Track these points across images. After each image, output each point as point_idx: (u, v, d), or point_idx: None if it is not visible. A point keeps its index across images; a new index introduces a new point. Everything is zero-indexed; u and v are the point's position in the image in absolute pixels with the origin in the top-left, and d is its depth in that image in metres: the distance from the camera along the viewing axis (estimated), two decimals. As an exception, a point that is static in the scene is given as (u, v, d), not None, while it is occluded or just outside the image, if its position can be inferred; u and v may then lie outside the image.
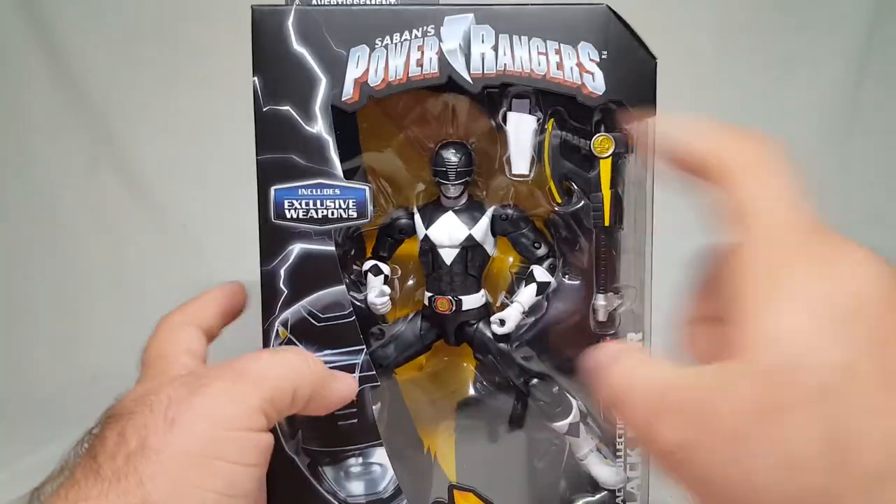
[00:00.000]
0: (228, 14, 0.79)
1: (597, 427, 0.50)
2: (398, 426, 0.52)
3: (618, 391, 0.32)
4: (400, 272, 0.52)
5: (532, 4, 0.46)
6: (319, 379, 0.43)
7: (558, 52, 0.45)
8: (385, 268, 0.51)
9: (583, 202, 0.48)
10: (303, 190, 0.46)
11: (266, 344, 0.47)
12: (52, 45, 0.84)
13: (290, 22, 0.45)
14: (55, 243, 0.86)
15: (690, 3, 0.83)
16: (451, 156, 0.48)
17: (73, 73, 0.84)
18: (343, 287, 0.47)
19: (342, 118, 0.46)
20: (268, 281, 0.46)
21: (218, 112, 0.82)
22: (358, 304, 0.49)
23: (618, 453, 0.49)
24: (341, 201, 0.46)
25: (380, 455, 0.48)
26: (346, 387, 0.45)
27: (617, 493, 0.50)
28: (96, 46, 0.83)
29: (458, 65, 0.45)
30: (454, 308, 0.49)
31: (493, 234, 0.50)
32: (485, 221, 0.49)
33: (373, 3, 0.46)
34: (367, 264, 0.51)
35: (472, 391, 0.53)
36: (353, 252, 0.51)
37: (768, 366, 0.26)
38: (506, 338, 0.50)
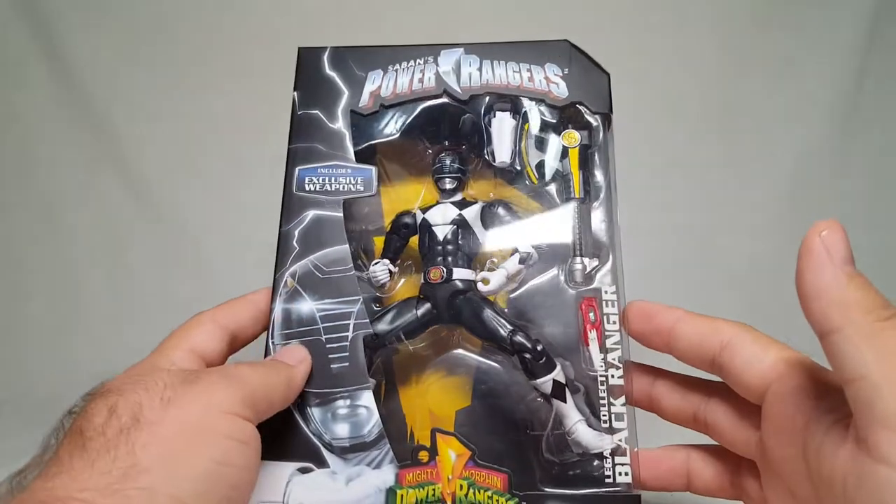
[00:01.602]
0: (229, 15, 0.85)
1: (583, 386, 0.51)
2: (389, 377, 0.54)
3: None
4: (398, 270, 0.59)
5: (507, 42, 0.59)
6: (287, 380, 0.47)
7: (529, 70, 0.58)
8: (389, 265, 0.58)
9: (556, 183, 0.56)
10: (321, 169, 0.56)
11: (275, 291, 0.53)
12: (52, 46, 0.85)
13: (325, 56, 0.60)
14: (55, 243, 0.85)
15: (691, 2, 0.85)
16: (446, 157, 0.58)
17: (73, 73, 0.85)
18: (346, 246, 0.54)
19: (360, 119, 0.58)
20: (284, 239, 0.54)
21: (218, 112, 0.84)
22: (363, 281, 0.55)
23: (601, 401, 0.49)
24: (352, 178, 0.56)
25: (367, 398, 0.50)
26: (303, 372, 0.49)
27: (605, 455, 0.48)
28: (96, 46, 0.84)
29: (451, 81, 0.58)
30: (445, 276, 0.55)
31: (484, 224, 0.58)
32: (475, 208, 0.57)
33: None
34: (374, 262, 0.58)
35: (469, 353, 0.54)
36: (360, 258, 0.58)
37: None
38: (491, 303, 0.54)
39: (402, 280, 0.58)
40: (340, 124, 0.58)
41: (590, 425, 0.50)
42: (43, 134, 0.86)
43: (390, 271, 0.57)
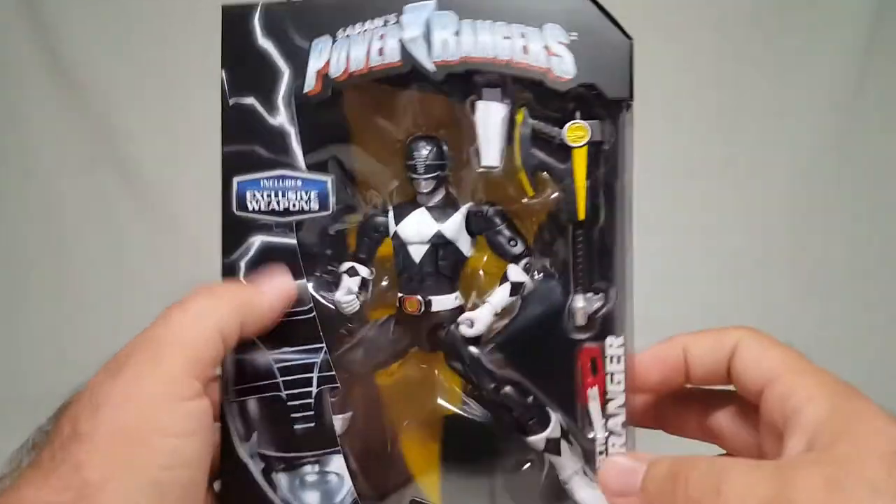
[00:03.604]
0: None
1: (578, 446, 0.45)
2: (371, 434, 0.49)
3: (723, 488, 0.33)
4: (375, 273, 0.50)
5: (496, -10, 0.44)
6: (244, 306, 0.41)
7: (524, 35, 0.43)
8: (362, 269, 0.49)
9: (556, 195, 0.45)
10: (265, 181, 0.45)
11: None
12: (53, 46, 0.86)
13: (256, 18, 0.46)
14: (55, 243, 0.87)
15: (691, 2, 0.85)
16: (421, 149, 0.47)
17: (72, 73, 0.86)
18: (304, 281, 0.45)
19: (308, 110, 0.45)
20: (228, 274, 0.46)
21: (218, 112, 0.84)
22: (328, 305, 0.47)
23: (598, 469, 0.44)
24: (303, 193, 0.45)
25: (337, 464, 0.45)
26: (276, 294, 0.43)
27: (600, 522, 0.44)
28: (96, 46, 0.85)
29: (420, 53, 0.44)
30: (423, 308, 0.47)
31: (471, 232, 0.48)
32: (457, 218, 0.47)
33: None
34: (345, 266, 0.49)
35: (446, 403, 0.49)
36: (329, 252, 0.49)
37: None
38: (476, 341, 0.46)
39: (378, 291, 0.50)
40: (283, 118, 0.46)
41: (586, 474, 0.45)
42: (43, 134, 0.87)
43: (363, 281, 0.49)
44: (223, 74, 0.46)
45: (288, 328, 0.45)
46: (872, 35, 0.84)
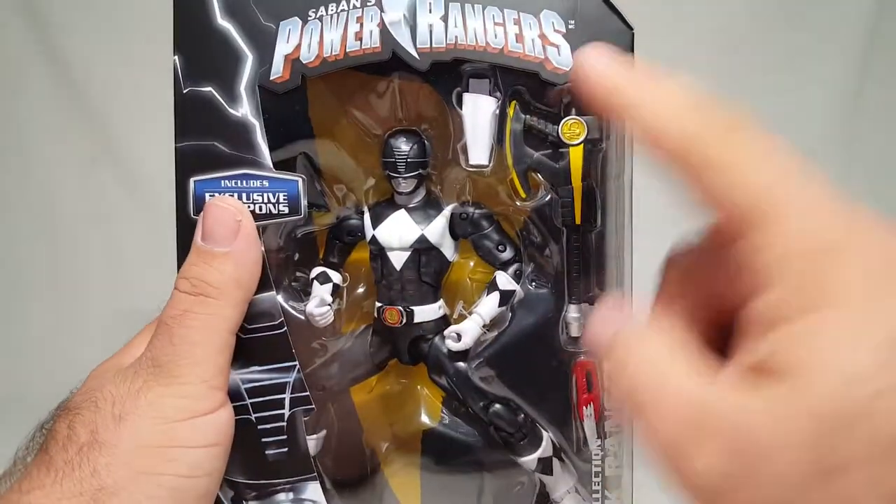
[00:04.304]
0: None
1: (572, 465, 0.42)
2: (347, 453, 0.46)
3: (642, 395, 0.26)
4: (349, 279, 0.46)
5: (487, -31, 0.40)
6: (240, 294, 0.39)
7: (517, 22, 0.39)
8: (335, 275, 0.45)
9: (550, 196, 0.41)
10: (226, 181, 0.40)
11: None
12: (53, 46, 0.84)
13: (213, -7, 0.40)
14: (54, 242, 0.86)
15: (692, 1, 0.82)
16: (402, 144, 0.42)
17: (72, 73, 0.84)
18: (272, 293, 0.41)
19: (273, 100, 0.40)
20: (186, 286, 0.41)
21: None
22: (298, 315, 0.43)
23: (594, 494, 0.41)
24: (270, 194, 0.41)
25: (313, 491, 0.42)
26: (245, 243, 0.39)
27: (595, 543, 0.42)
28: (96, 46, 0.83)
29: (403, 38, 0.40)
30: (405, 320, 0.43)
31: (454, 236, 0.44)
32: (441, 221, 0.43)
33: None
34: (315, 271, 0.45)
35: (427, 420, 0.46)
36: (297, 257, 0.45)
37: (831, 411, 0.22)
38: (463, 355, 0.43)
39: (353, 299, 0.46)
40: (246, 109, 0.40)
41: (578, 493, 0.43)
42: (43, 134, 0.85)
43: (335, 287, 0.45)
44: (176, 59, 0.40)
45: (256, 345, 0.41)
46: (875, 34, 0.83)
